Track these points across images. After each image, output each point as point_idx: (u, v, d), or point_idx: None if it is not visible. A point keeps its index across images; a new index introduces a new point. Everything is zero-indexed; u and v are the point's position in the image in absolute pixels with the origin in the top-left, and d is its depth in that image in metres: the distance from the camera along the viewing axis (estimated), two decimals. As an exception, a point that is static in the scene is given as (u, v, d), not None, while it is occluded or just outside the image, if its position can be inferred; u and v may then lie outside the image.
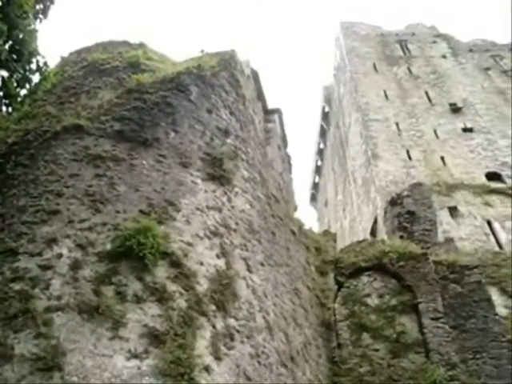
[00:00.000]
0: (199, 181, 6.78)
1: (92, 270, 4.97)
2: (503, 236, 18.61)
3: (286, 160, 14.40)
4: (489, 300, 9.83)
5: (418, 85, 27.69)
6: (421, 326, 8.79)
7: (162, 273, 5.24)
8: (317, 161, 39.57)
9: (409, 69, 28.96)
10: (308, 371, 6.91)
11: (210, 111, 7.91)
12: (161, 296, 4.99)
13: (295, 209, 13.03)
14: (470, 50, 31.17)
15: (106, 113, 7.14)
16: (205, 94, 8.05)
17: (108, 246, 5.24)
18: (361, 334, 8.95)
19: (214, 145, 7.51)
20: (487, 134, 24.11)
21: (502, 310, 12.51)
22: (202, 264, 5.70)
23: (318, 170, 39.68)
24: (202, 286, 5.44)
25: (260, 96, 13.86)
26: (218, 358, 4.86)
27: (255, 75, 13.65)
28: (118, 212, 5.68)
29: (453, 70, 28.94)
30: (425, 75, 28.40)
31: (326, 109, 36.95)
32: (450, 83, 27.74)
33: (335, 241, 12.76)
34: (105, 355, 4.29)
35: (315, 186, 40.26)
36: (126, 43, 10.10)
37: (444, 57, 30.06)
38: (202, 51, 9.41)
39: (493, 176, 21.76)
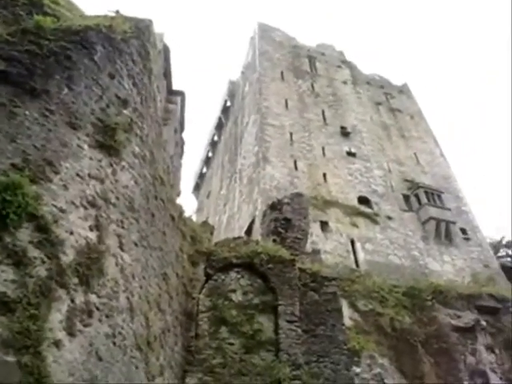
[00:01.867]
0: (86, 146, 6.34)
1: None
2: (361, 256, 20.44)
3: (180, 144, 14.17)
4: (339, 311, 10.71)
5: (317, 102, 29.20)
6: (276, 327, 9.28)
7: (25, 236, 4.78)
8: (208, 151, 39.64)
9: (312, 85, 30.42)
10: (162, 357, 6.87)
11: (112, 77, 7.45)
12: (19, 260, 4.55)
13: (178, 194, 12.91)
14: (368, 83, 33.80)
15: (-8, 48, 6.33)
16: (110, 58, 7.56)
17: (-34, 197, 4.66)
18: (219, 327, 9.16)
19: (109, 112, 7.09)
20: (366, 162, 26.31)
21: (348, 321, 13.76)
22: (71, 233, 5.34)
23: (207, 161, 39.77)
24: (68, 257, 5.09)
25: (167, 74, 13.44)
26: (71, 334, 4.59)
27: (166, 52, 13.19)
28: (-15, 161, 5.08)
29: (350, 96, 31.09)
30: (325, 95, 30.06)
31: (228, 103, 37.23)
32: (345, 108, 29.76)
33: (212, 233, 12.91)
34: None
35: (201, 176, 40.29)
36: (30, -22, 9.05)
37: (345, 83, 32.15)
38: (117, 12, 8.85)
39: (363, 200, 23.77)
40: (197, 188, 40.65)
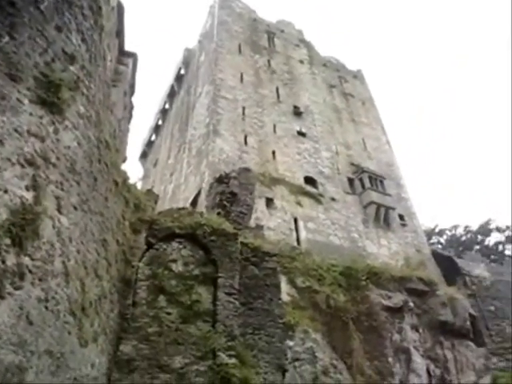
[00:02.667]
0: (26, 101, 5.98)
1: None
2: (303, 234, 20.93)
3: (129, 108, 13.69)
4: (278, 286, 10.97)
5: (272, 79, 29.09)
6: (215, 298, 9.37)
7: (-47, 191, 4.50)
8: (158, 119, 38.70)
9: (269, 61, 30.22)
10: (96, 323, 6.77)
11: (59, 29, 7.02)
12: None
13: (124, 160, 12.55)
14: (324, 65, 34.03)
15: None
16: (58, 9, 7.10)
17: None
18: (158, 296, 9.12)
19: (54, 67, 6.70)
20: (315, 143, 26.70)
21: (285, 297, 14.13)
22: (6, 192, 5.07)
23: (156, 129, 38.83)
24: (0, 216, 4.85)
25: (119, 33, 12.83)
26: (0, 297, 4.41)
27: (120, 9, 12.55)
28: None
29: (305, 76, 31.21)
30: (281, 72, 29.99)
31: (182, 71, 36.32)
32: (299, 88, 29.87)
33: (156, 202, 12.71)
34: None
35: (149, 143, 39.36)
36: None
37: (301, 62, 32.18)
38: (68, -40, 8.26)
39: (309, 180, 24.21)
40: (144, 155, 39.70)
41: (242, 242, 10.88)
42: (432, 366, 18.24)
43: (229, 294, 9.44)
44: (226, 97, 25.88)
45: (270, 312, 10.13)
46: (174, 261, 9.75)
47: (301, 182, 23.68)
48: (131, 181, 11.06)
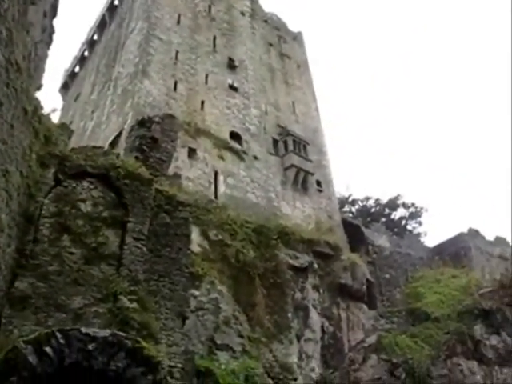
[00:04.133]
0: None
1: None
2: (222, 189, 21.05)
3: (48, 32, 12.50)
4: (188, 236, 11.02)
5: (210, 26, 28.08)
6: (122, 242, 9.20)
7: None
8: (84, 50, 36.03)
9: (210, 7, 29.03)
10: (-13, 256, 6.39)
11: None
12: None
13: (39, 88, 11.60)
14: (265, 21, 33.32)
15: None
16: None
17: None
18: (62, 234, 8.77)
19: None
20: (246, 99, 26.47)
21: (196, 248, 14.30)
22: None
23: (81, 60, 36.17)
24: None
25: None
26: None
27: None
28: None
29: (245, 29, 30.42)
30: (220, 21, 28.98)
31: (116, 1, 33.85)
32: (237, 41, 29.13)
33: (70, 137, 12.03)
34: None
35: (73, 75, 36.69)
36: None
37: (243, 14, 31.24)
38: None
39: (235, 136, 24.15)
40: (65, 87, 36.97)
41: (156, 189, 10.69)
42: (326, 324, 19.66)
43: (137, 240, 9.32)
44: (160, 37, 24.66)
45: (177, 261, 10.18)
46: (83, 200, 9.37)
47: (226, 136, 23.54)
48: (45, 111, 10.28)
